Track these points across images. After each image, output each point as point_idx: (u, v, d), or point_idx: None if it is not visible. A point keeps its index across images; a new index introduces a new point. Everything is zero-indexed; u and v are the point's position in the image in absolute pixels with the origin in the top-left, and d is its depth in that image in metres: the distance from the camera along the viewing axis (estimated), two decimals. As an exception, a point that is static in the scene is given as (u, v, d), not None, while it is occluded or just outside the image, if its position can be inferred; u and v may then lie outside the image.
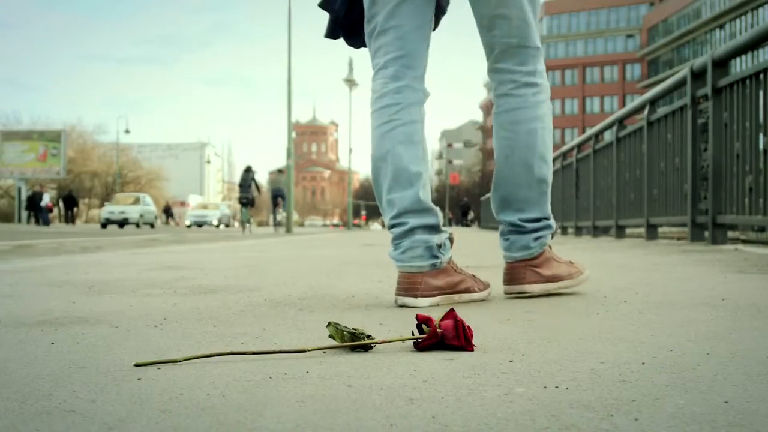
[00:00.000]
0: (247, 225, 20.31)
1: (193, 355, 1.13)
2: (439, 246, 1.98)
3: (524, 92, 2.06)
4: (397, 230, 2.00)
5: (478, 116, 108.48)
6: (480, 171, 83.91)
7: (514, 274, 2.09)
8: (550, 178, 2.12)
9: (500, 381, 0.98)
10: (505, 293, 2.11)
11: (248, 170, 20.70)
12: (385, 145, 2.03)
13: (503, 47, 2.05)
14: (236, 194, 24.76)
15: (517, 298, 2.06)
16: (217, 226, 39.09)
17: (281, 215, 21.47)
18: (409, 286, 1.94)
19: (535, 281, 2.08)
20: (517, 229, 2.11)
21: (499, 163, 2.12)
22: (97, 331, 1.46)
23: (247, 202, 20.40)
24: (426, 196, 2.02)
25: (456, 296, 1.98)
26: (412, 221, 1.99)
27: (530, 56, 2.05)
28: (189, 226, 38.10)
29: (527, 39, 2.04)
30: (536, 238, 2.10)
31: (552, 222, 2.14)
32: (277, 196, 21.90)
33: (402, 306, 1.91)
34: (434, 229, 2.00)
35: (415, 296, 1.93)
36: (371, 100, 2.08)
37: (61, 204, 39.35)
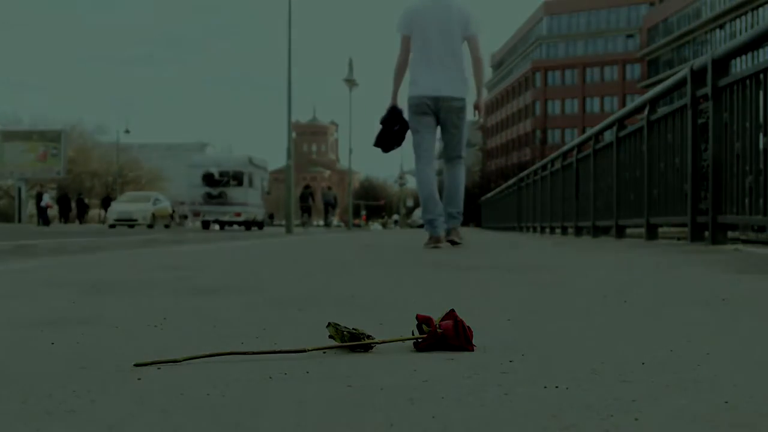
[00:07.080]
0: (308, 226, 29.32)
1: (193, 355, 1.13)
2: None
3: (460, 166, 6.02)
4: (436, 221, 5.68)
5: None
6: (480, 171, 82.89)
7: (451, 232, 5.80)
8: (463, 197, 6.02)
9: (500, 381, 0.97)
10: (446, 239, 5.73)
11: (307, 186, 31.81)
12: (431, 189, 5.82)
13: (453, 147, 5.96)
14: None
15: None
16: (150, 226, 27.06)
17: (330, 218, 32.54)
18: (439, 241, 5.67)
19: (456, 234, 5.82)
20: (453, 215, 5.85)
21: (448, 187, 5.96)
22: (97, 331, 1.46)
23: (306, 209, 30.46)
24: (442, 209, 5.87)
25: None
26: (440, 218, 5.74)
27: (463, 151, 5.99)
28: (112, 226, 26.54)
29: (463, 148, 6.00)
30: (460, 220, 5.91)
31: (461, 218, 5.95)
32: (327, 205, 31.33)
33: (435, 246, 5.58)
34: (442, 220, 5.81)
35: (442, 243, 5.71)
36: (422, 172, 5.92)
37: (55, 205, 39.19)
